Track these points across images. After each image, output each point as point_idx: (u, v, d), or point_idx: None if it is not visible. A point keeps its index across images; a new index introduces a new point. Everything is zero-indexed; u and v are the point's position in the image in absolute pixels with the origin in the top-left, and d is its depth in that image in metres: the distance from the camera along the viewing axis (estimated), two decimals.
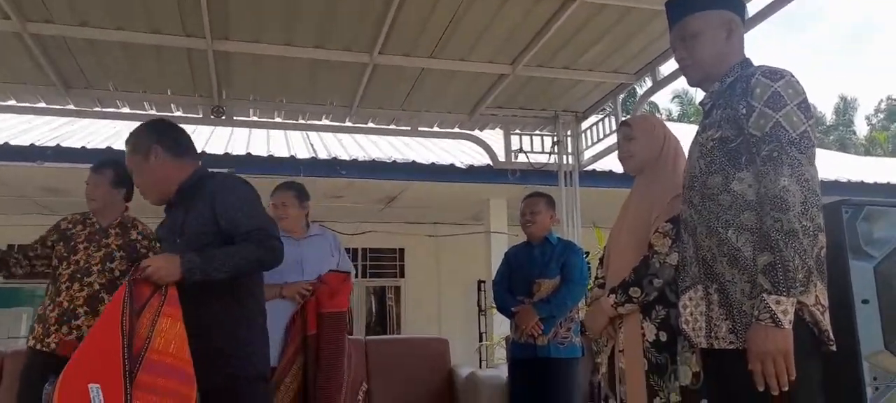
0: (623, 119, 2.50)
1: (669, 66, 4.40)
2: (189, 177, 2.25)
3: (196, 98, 4.80)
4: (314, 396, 3.11)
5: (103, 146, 5.75)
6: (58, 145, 5.60)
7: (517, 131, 5.55)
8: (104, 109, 4.87)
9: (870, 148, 28.90)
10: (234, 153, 5.98)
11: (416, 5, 3.64)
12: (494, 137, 5.64)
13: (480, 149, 5.65)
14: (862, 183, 7.45)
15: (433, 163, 6.42)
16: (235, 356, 2.12)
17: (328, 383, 3.10)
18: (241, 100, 4.89)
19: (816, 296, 1.54)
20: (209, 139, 6.61)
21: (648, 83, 4.73)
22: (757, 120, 1.62)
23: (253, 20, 3.78)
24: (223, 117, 4.89)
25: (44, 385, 2.39)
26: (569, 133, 5.49)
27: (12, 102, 4.70)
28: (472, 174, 6.40)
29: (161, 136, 2.23)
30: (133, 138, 2.26)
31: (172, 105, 4.88)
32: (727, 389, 1.68)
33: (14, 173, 5.98)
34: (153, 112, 4.92)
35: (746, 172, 1.67)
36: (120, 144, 5.85)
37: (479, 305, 8.59)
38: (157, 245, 2.48)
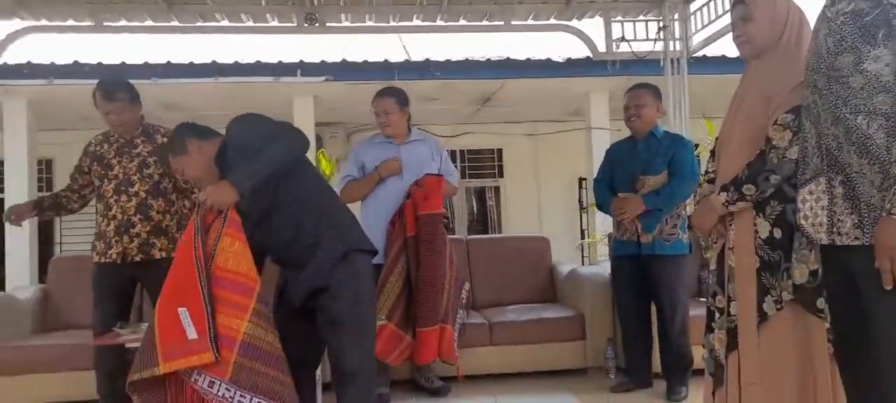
0: None
1: None
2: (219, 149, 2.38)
3: (289, 6, 4.84)
4: (416, 297, 3.21)
5: (209, 60, 5.98)
6: (168, 61, 5.88)
7: (618, 18, 5.21)
8: (205, 24, 5.02)
9: None
10: (331, 61, 6.02)
11: None
12: (594, 26, 5.32)
13: (579, 41, 5.36)
14: None
15: (528, 59, 6.17)
16: (325, 243, 2.30)
17: (427, 284, 3.18)
18: (333, 6, 4.88)
19: None
20: (304, 48, 6.69)
21: None
22: None
23: None
24: (317, 24, 4.91)
25: (116, 294, 2.99)
26: (676, 16, 5.09)
27: (123, 22, 4.93)
28: (570, 67, 6.11)
29: (189, 131, 2.40)
30: (172, 145, 2.43)
31: (267, 15, 4.96)
32: (851, 287, 1.54)
33: None
34: (250, 23, 5.03)
35: (884, 49, 1.45)
36: (223, 58, 6.07)
37: (580, 203, 8.44)
38: None
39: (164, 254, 2.99)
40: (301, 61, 5.91)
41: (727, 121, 2.16)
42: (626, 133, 3.50)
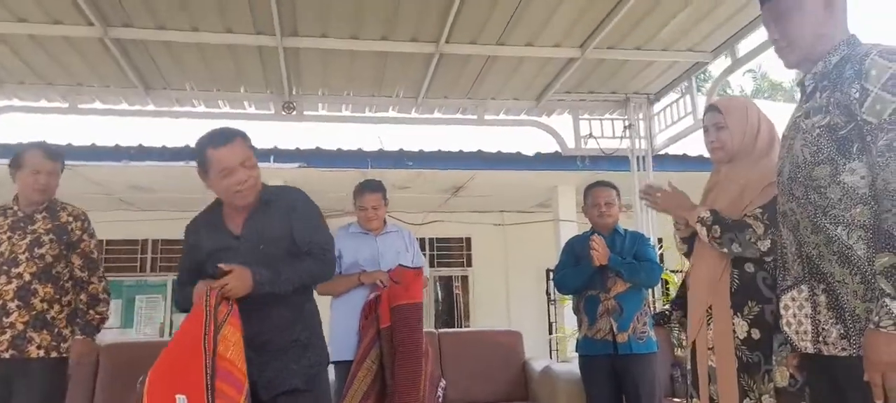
0: (711, 102, 2.31)
1: (749, 42, 4.17)
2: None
3: (268, 95, 4.91)
4: (391, 390, 3.13)
5: (181, 143, 5.95)
6: (140, 145, 5.84)
7: (586, 116, 5.41)
8: (181, 109, 5.04)
9: None
10: (304, 147, 6.08)
11: None
12: (563, 123, 5.51)
13: (548, 136, 5.54)
14: None
15: (500, 152, 6.34)
16: (316, 346, 2.37)
17: (403, 378, 3.11)
18: (311, 95, 4.97)
19: None
20: (279, 134, 6.75)
21: (726, 61, 4.49)
22: (872, 105, 1.46)
23: (320, 15, 3.80)
24: (294, 112, 4.98)
25: None
26: (641, 116, 5.31)
27: (98, 104, 4.92)
28: (539, 161, 6.29)
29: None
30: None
31: (245, 102, 5.01)
32: (837, 397, 1.55)
33: (101, 173, 6.29)
34: (227, 109, 5.07)
35: (858, 162, 1.51)
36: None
37: (547, 294, 8.47)
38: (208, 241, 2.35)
39: (41, 353, 2.63)
40: (275, 147, 5.95)
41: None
42: (589, 225, 3.57)
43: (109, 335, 7.60)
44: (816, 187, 1.58)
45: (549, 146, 5.99)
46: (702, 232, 2.09)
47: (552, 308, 8.29)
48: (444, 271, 8.92)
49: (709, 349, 2.08)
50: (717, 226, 2.05)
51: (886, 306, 1.37)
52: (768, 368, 1.93)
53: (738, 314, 2.01)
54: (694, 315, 2.15)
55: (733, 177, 2.12)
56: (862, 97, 1.49)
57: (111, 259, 8.53)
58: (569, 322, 5.87)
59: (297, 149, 6.03)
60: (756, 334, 1.97)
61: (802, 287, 1.62)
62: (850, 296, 1.50)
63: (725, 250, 2.03)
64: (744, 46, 4.25)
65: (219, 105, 5.03)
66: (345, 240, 3.48)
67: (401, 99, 5.04)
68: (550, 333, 8.15)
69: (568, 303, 3.91)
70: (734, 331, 2.01)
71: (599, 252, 3.25)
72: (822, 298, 1.57)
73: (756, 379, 1.95)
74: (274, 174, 6.09)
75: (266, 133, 6.70)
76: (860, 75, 1.51)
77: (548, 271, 8.33)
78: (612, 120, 5.40)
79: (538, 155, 6.30)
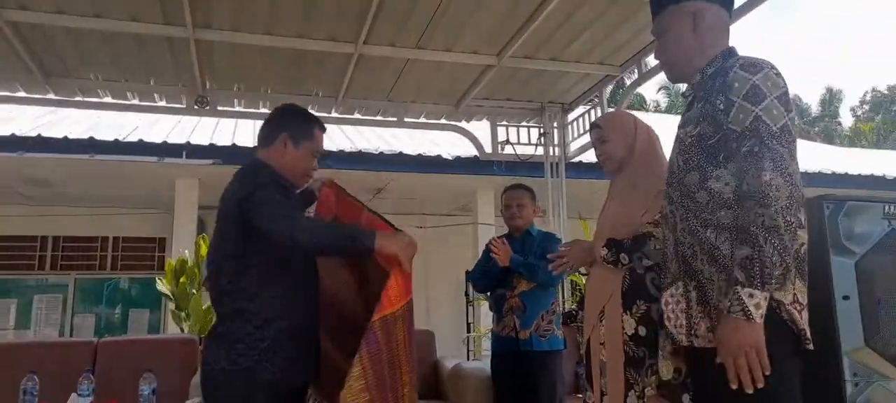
0: (592, 121, 2.47)
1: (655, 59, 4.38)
2: None
3: (180, 88, 4.75)
4: None
5: (86, 136, 5.66)
6: (39, 135, 5.51)
7: (504, 122, 5.53)
8: (86, 99, 4.79)
9: (854, 139, 29.12)
10: (220, 143, 5.91)
11: None
12: (481, 128, 5.61)
13: (467, 141, 5.63)
14: (846, 174, 7.50)
15: (420, 155, 6.39)
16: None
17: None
18: (226, 91, 4.84)
19: (795, 294, 1.53)
20: (194, 129, 6.53)
21: (636, 74, 4.71)
22: (736, 115, 1.58)
23: (234, 8, 3.72)
24: (207, 107, 4.84)
25: None
26: (555, 124, 5.48)
27: None
28: (458, 165, 6.37)
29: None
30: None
31: (156, 95, 4.82)
32: (707, 388, 1.67)
33: None
34: (136, 101, 4.87)
35: (724, 170, 1.63)
36: (102, 134, 5.78)
37: (466, 295, 8.59)
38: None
39: None
40: (188, 143, 5.76)
41: (599, 226, 2.36)
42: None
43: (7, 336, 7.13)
44: (688, 192, 1.70)
45: (469, 150, 6.09)
46: (609, 268, 2.18)
47: (470, 309, 8.40)
48: None
49: (600, 344, 2.18)
50: (623, 254, 2.15)
51: (738, 294, 1.47)
52: (652, 363, 2.05)
53: (628, 312, 2.12)
54: (589, 314, 2.26)
55: (626, 187, 2.25)
56: (726, 108, 1.61)
57: (7, 256, 7.99)
58: (485, 322, 5.98)
59: (212, 144, 5.86)
60: (642, 331, 2.08)
61: (679, 284, 1.74)
62: (717, 292, 1.62)
63: (639, 270, 2.13)
64: (652, 60, 4.47)
65: (127, 96, 4.83)
66: None
67: (320, 98, 4.99)
68: (469, 331, 8.27)
69: (485, 304, 3.99)
70: (623, 328, 2.12)
71: (499, 254, 3.34)
72: (694, 294, 1.68)
73: (641, 373, 2.06)
74: (186, 170, 5.91)
75: (178, 128, 6.49)
76: (725, 87, 1.62)
77: (467, 273, 8.44)
78: (529, 127, 5.54)
79: (457, 159, 6.38)
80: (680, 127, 1.79)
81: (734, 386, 1.48)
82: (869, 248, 1.83)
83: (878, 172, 7.73)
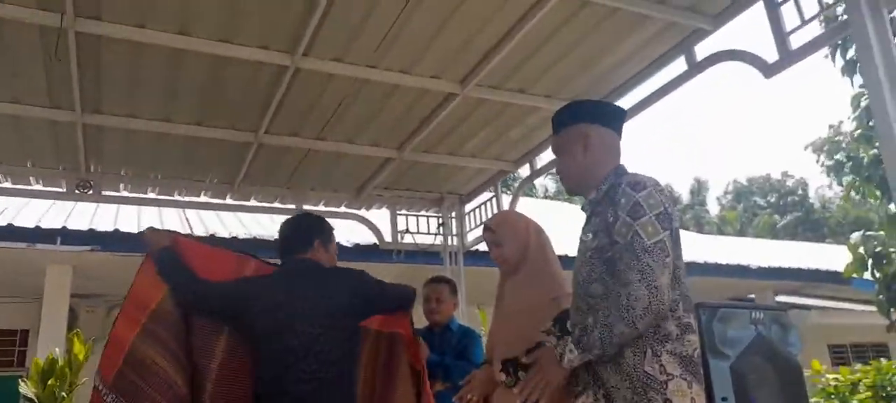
0: (485, 222, 2.54)
1: (546, 156, 4.68)
2: None
3: (59, 170, 4.46)
4: None
5: None
6: None
7: (403, 212, 5.61)
8: None
9: (722, 226, 31.94)
10: (100, 229, 5.54)
11: (303, 90, 3.65)
12: (381, 217, 5.65)
13: (367, 229, 5.64)
14: (716, 264, 8.18)
15: None
16: None
17: None
18: (112, 174, 4.59)
19: (692, 398, 1.65)
20: (71, 213, 6.10)
21: (527, 170, 4.98)
22: (620, 228, 1.73)
23: (128, 94, 3.61)
24: (90, 192, 4.56)
25: None
26: (453, 214, 5.62)
27: None
28: (358, 252, 6.33)
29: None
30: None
31: (32, 178, 4.48)
32: None
33: None
34: (8, 184, 4.51)
35: None
36: None
37: None
38: None
39: None
40: (64, 228, 5.36)
41: (495, 324, 2.41)
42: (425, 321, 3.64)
43: None
44: (593, 304, 1.79)
45: (368, 238, 6.08)
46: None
47: None
48: None
49: None
50: (521, 373, 2.19)
51: (568, 343, 1.73)
52: None
53: None
54: None
55: (521, 294, 2.31)
56: (614, 221, 1.76)
57: None
58: None
59: (91, 229, 5.48)
60: None
61: (589, 392, 1.81)
62: (621, 400, 1.71)
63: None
64: (541, 159, 4.77)
65: None
66: None
67: (214, 184, 4.85)
68: None
69: None
70: None
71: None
72: (602, 401, 1.76)
73: None
74: (59, 256, 5.47)
75: (55, 210, 6.04)
76: (614, 203, 1.79)
77: None
78: (428, 216, 5.65)
79: (357, 246, 6.35)
80: (581, 239, 1.92)
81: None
82: (741, 351, 2.02)
83: (743, 262, 8.50)
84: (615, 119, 2.03)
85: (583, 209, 2.05)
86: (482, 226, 2.49)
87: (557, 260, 2.40)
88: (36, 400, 4.67)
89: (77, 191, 4.53)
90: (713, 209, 36.33)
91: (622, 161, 2.01)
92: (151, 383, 2.22)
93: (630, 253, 1.68)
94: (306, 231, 2.50)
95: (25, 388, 4.75)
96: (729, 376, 1.96)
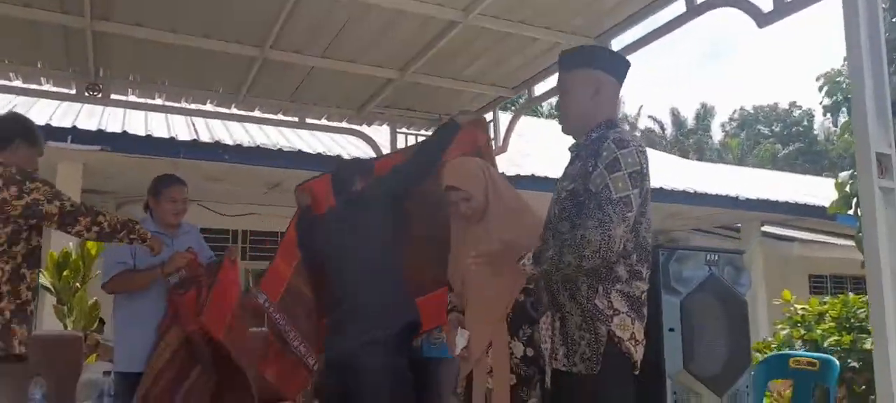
0: (445, 183, 2.63)
1: (543, 86, 4.79)
2: None
3: (69, 73, 4.58)
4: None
5: None
6: None
7: (403, 130, 5.75)
8: None
9: (723, 152, 31.97)
10: (109, 130, 5.71)
11: (310, 9, 3.72)
12: (381, 134, 5.81)
13: (367, 145, 5.80)
14: (705, 194, 8.39)
15: (320, 153, 6.48)
16: None
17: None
18: (120, 79, 4.71)
19: (632, 332, 1.89)
20: (79, 113, 6.25)
21: (526, 96, 5.09)
22: (595, 178, 1.92)
23: (137, 2, 3.69)
24: (99, 95, 4.69)
25: None
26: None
27: None
28: None
29: None
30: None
31: (42, 78, 4.61)
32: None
33: None
34: (19, 83, 4.64)
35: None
36: None
37: None
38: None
39: None
40: (74, 127, 5.52)
41: (463, 260, 2.57)
42: None
43: None
44: (560, 238, 2.00)
45: (368, 153, 6.25)
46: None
47: None
48: (260, 265, 8.79)
49: (488, 374, 2.45)
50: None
51: (527, 255, 2.01)
52: (540, 377, 2.34)
53: (514, 337, 2.40)
54: (474, 348, 2.50)
55: (491, 233, 2.47)
56: (592, 170, 1.93)
57: None
58: None
59: (101, 130, 5.65)
60: (530, 352, 2.38)
61: (548, 313, 2.06)
62: (573, 326, 1.95)
63: (520, 298, 2.43)
64: (539, 88, 4.88)
65: (9, 77, 4.58)
66: None
67: (220, 94, 4.98)
68: None
69: None
70: (512, 352, 2.40)
71: None
72: (557, 324, 2.01)
73: (531, 389, 2.37)
74: (70, 154, 5.66)
75: (64, 111, 6.19)
76: (597, 154, 1.94)
77: None
78: (427, 135, 5.79)
79: (357, 159, 6.53)
80: (559, 180, 2.11)
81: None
82: (692, 289, 2.25)
83: (733, 193, 8.71)
84: (624, 72, 2.17)
85: (570, 150, 2.21)
86: (445, 189, 2.61)
87: (511, 187, 2.61)
88: (53, 290, 5.00)
89: (87, 94, 4.66)
90: (717, 135, 36.26)
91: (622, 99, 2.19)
92: (301, 308, 3.32)
93: (596, 201, 1.87)
94: None
95: (43, 279, 5.06)
96: (678, 310, 2.21)
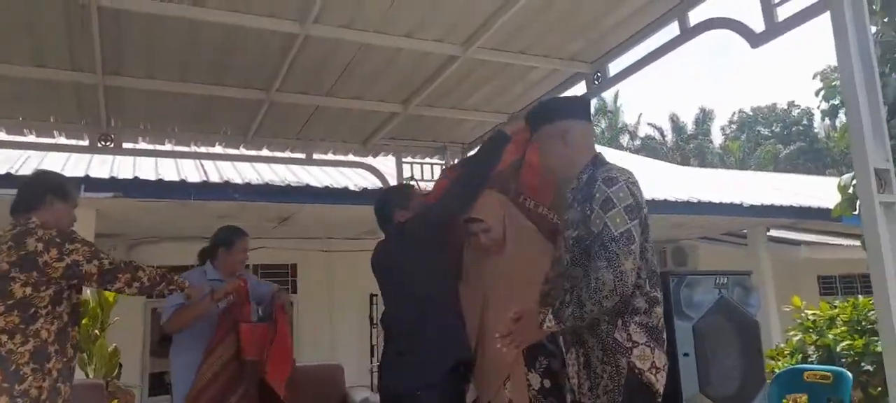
0: (467, 217, 2.69)
1: None
2: None
3: (82, 125, 4.69)
4: None
5: None
6: None
7: (408, 159, 5.84)
8: None
9: (724, 156, 32.02)
10: (121, 177, 5.82)
11: (313, 54, 3.83)
12: (387, 164, 5.90)
13: (373, 176, 5.89)
14: (710, 203, 8.45)
15: (327, 187, 6.57)
16: None
17: None
18: (131, 128, 4.82)
19: (653, 361, 1.97)
20: (91, 161, 6.37)
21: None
22: (594, 220, 2.03)
23: (147, 57, 3.80)
24: (111, 145, 4.80)
25: None
26: (456, 161, 5.85)
27: None
28: (365, 196, 6.60)
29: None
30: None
31: (55, 131, 4.72)
32: None
33: None
34: (33, 138, 4.75)
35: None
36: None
37: (370, 319, 8.81)
38: None
39: None
40: (87, 176, 5.63)
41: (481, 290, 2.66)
42: None
43: None
44: (573, 284, 2.09)
45: (375, 184, 6.35)
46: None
47: (374, 331, 8.63)
48: None
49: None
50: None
51: (548, 314, 2.01)
52: None
53: (531, 370, 2.47)
54: (493, 383, 2.57)
55: (514, 270, 2.56)
56: (590, 213, 2.05)
57: None
58: None
59: (113, 178, 5.76)
60: (547, 383, 2.45)
61: (573, 350, 2.14)
62: (595, 360, 2.04)
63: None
64: None
65: (23, 132, 4.70)
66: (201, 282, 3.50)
67: (228, 136, 5.09)
68: (372, 356, 8.49)
69: None
70: (529, 384, 2.47)
71: None
72: (582, 360, 2.09)
73: None
74: (84, 203, 5.75)
75: (76, 160, 6.31)
76: (591, 197, 2.06)
77: (371, 296, 8.67)
78: (432, 164, 5.89)
79: (364, 190, 6.63)
80: (564, 228, 2.19)
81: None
82: (703, 313, 2.31)
83: (736, 200, 8.76)
84: (586, 111, 2.32)
85: (567, 195, 2.30)
86: (465, 222, 2.70)
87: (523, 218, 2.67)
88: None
89: (99, 144, 4.77)
90: (717, 139, 36.34)
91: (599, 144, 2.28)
92: None
93: (600, 242, 1.97)
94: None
95: None
96: (691, 334, 2.27)
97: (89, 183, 5.58)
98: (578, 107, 2.29)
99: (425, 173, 5.85)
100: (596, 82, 4.18)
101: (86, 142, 4.82)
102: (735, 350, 2.39)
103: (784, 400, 2.90)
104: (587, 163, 2.18)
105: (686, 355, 2.24)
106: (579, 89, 4.30)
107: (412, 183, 3.82)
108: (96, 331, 5.03)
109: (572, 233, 2.12)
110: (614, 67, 4.07)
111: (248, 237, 3.75)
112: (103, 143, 4.77)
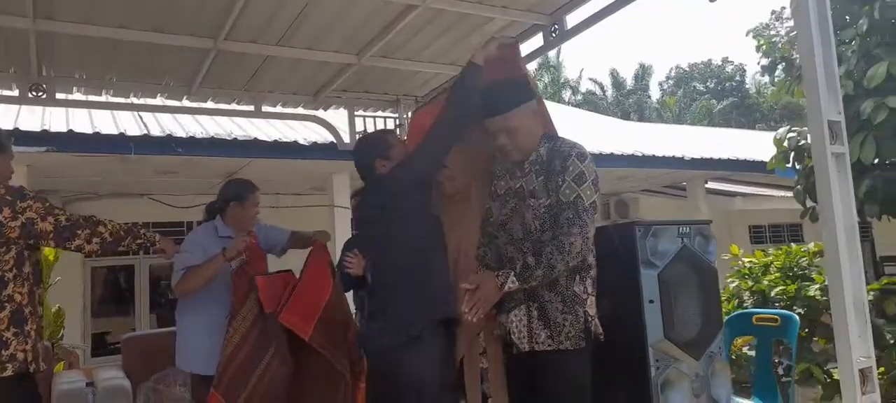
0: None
1: None
2: None
3: (11, 74, 4.37)
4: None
5: None
6: None
7: (361, 113, 5.73)
8: None
9: (661, 111, 32.91)
10: (54, 130, 5.48)
11: None
12: (339, 118, 5.78)
13: (324, 129, 5.76)
14: (653, 156, 8.70)
15: (276, 141, 6.39)
16: None
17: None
18: (65, 78, 4.53)
19: (595, 310, 2.25)
20: (19, 112, 5.97)
21: None
22: (565, 190, 2.21)
23: (82, 1, 3.55)
24: (43, 96, 4.50)
25: None
26: (408, 115, 5.78)
27: None
28: (316, 151, 6.48)
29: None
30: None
31: None
32: (546, 380, 2.23)
33: None
34: None
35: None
36: None
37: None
38: None
39: None
40: (16, 129, 5.29)
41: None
42: None
43: None
44: (539, 248, 2.23)
45: (326, 137, 6.22)
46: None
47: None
48: None
49: (481, 354, 2.62)
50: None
51: (509, 274, 2.14)
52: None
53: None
54: (467, 333, 2.64)
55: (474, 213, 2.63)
56: (561, 184, 2.21)
57: None
58: None
59: (45, 131, 5.42)
60: None
61: (522, 306, 2.28)
62: (554, 311, 2.22)
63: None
64: None
65: None
66: (216, 244, 3.30)
67: (171, 87, 4.85)
68: None
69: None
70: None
71: (353, 267, 3.51)
72: (535, 312, 2.25)
73: None
74: (17, 158, 5.41)
75: (4, 112, 5.91)
76: (564, 170, 2.22)
77: None
78: (385, 117, 5.80)
79: (314, 144, 6.49)
80: (529, 196, 2.28)
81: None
82: (668, 262, 2.40)
83: (678, 153, 9.05)
84: (535, 92, 2.47)
85: (519, 165, 2.38)
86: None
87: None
88: None
89: (30, 95, 4.47)
90: (655, 94, 37.24)
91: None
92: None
93: (573, 211, 2.16)
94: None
95: None
96: (656, 282, 2.36)
97: (19, 136, 5.22)
98: (532, 88, 2.49)
99: (378, 126, 5.76)
100: (553, 35, 4.17)
101: (15, 93, 4.52)
102: (696, 296, 2.49)
103: (733, 343, 3.06)
104: (542, 136, 2.36)
105: (651, 302, 2.33)
106: (536, 41, 4.29)
107: (391, 129, 3.63)
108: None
109: (544, 202, 2.24)
110: (572, 20, 4.07)
111: (258, 190, 3.58)
112: (34, 94, 4.47)
